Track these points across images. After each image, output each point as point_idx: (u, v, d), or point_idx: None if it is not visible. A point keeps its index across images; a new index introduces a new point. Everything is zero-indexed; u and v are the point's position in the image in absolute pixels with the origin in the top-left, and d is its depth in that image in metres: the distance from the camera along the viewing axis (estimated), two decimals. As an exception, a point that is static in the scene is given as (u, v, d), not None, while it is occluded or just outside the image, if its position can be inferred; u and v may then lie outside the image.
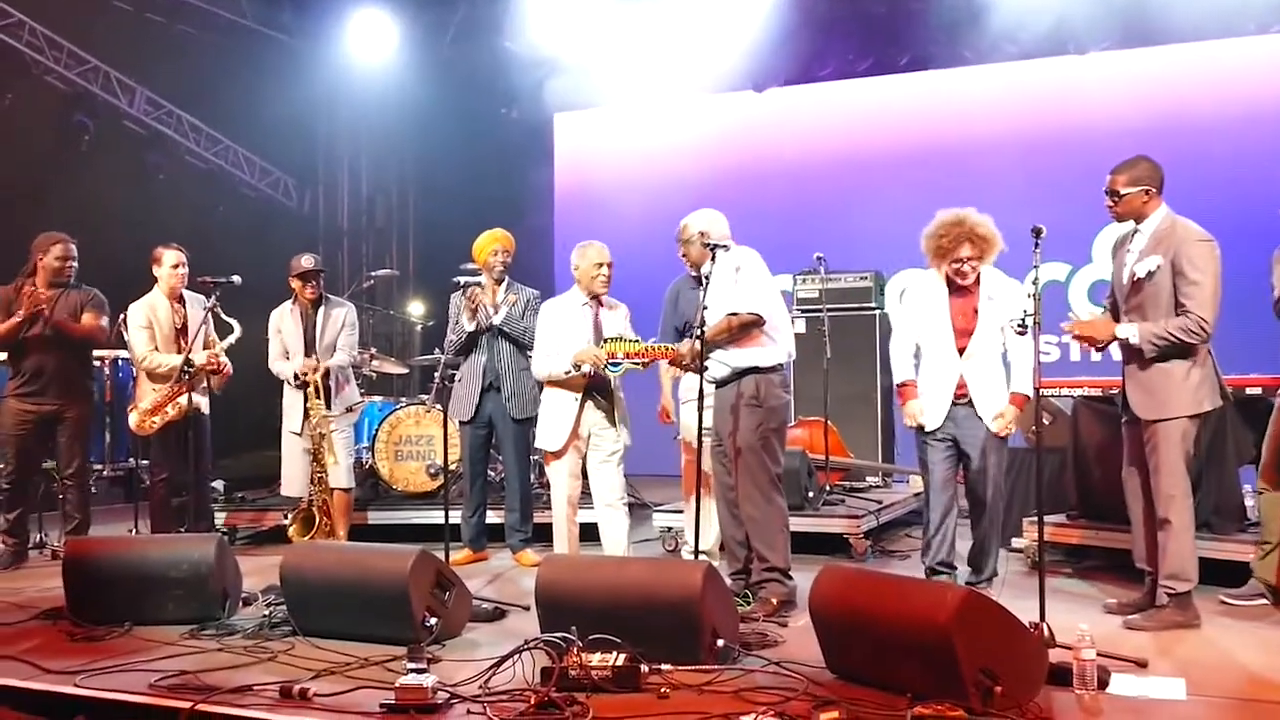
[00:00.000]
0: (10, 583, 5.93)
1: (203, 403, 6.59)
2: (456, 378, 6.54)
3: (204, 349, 6.49)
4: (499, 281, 6.45)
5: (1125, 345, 4.70)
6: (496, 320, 6.34)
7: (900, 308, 5.50)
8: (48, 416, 6.49)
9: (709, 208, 5.39)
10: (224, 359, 6.51)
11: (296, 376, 6.45)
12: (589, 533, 5.95)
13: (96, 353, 7.53)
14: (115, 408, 7.74)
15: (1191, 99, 9.94)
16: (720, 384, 5.22)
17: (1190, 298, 4.52)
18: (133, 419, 6.55)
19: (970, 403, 5.09)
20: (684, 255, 5.45)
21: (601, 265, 5.79)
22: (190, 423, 6.15)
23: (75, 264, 6.54)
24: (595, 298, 5.86)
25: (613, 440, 5.78)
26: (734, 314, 5.06)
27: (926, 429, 5.17)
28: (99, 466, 7.77)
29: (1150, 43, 10.12)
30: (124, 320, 6.83)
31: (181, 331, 6.58)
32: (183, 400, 6.27)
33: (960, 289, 5.13)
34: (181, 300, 6.67)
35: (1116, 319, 4.84)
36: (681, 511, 6.35)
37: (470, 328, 6.34)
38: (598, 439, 5.78)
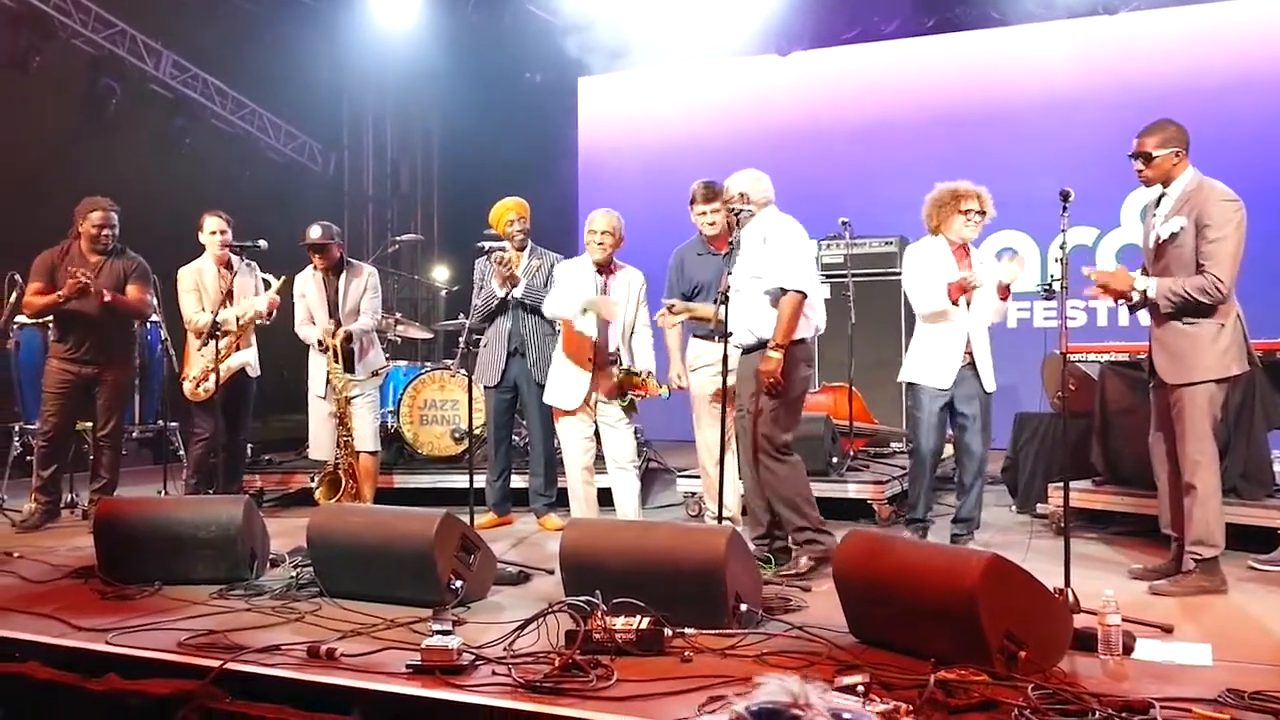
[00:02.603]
0: (42, 541, 6.01)
1: (251, 363, 6.70)
2: (481, 343, 6.56)
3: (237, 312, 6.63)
4: (521, 248, 6.45)
5: (1150, 306, 4.67)
6: (518, 293, 6.33)
7: (915, 273, 5.59)
8: (88, 378, 6.57)
9: (751, 168, 5.35)
10: (263, 302, 6.68)
11: (320, 342, 6.50)
12: (607, 497, 5.97)
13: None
14: (144, 371, 7.79)
15: (1222, 59, 9.78)
16: (745, 350, 5.21)
17: (1209, 257, 4.48)
18: (187, 388, 6.66)
19: (972, 364, 5.47)
20: (722, 217, 5.54)
21: (594, 232, 5.82)
22: (235, 385, 6.22)
23: (113, 231, 6.58)
24: (603, 267, 5.86)
25: (620, 407, 5.82)
26: (784, 291, 5.01)
27: (938, 388, 5.46)
28: (128, 428, 7.83)
29: (1180, 2, 9.97)
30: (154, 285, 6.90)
31: (229, 295, 6.62)
32: (232, 361, 6.32)
33: (959, 252, 5.53)
34: (229, 265, 6.72)
35: None
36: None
37: (501, 293, 6.34)
38: (606, 405, 5.82)
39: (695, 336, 5.85)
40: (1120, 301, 4.84)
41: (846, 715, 1.48)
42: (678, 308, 5.53)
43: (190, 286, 6.68)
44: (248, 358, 6.70)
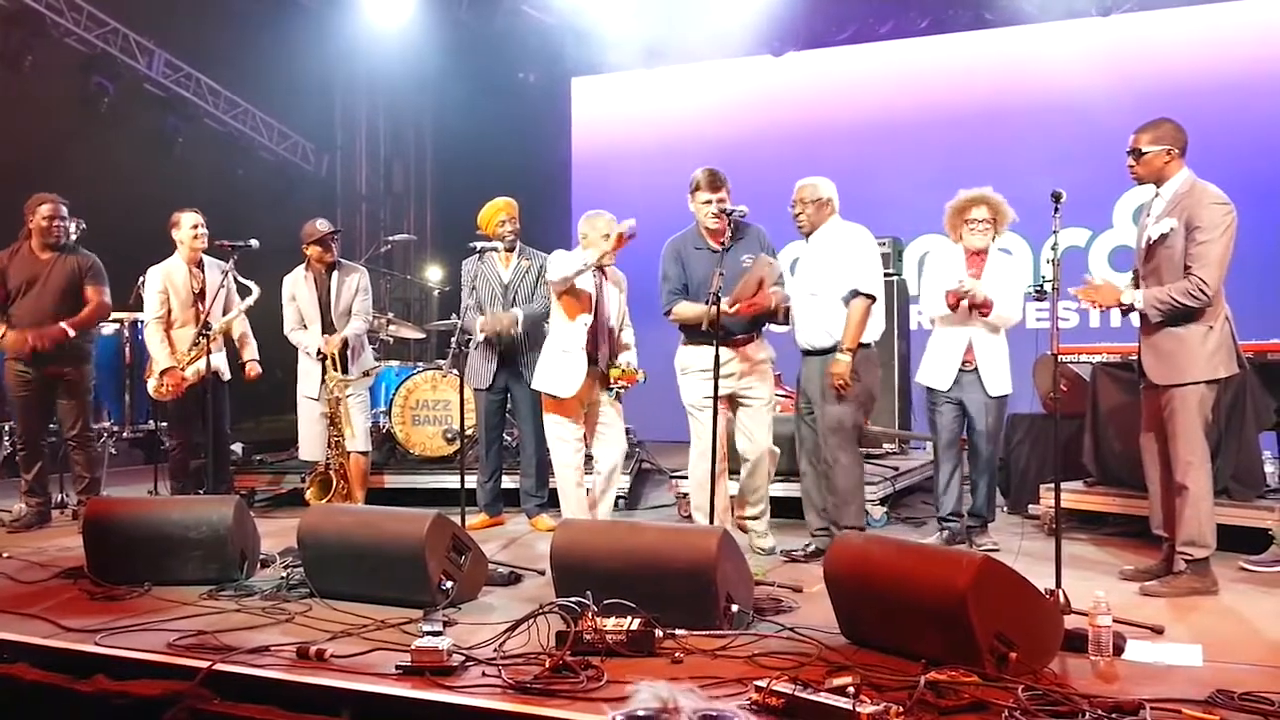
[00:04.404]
0: (31, 542, 5.99)
1: (222, 366, 6.64)
2: (473, 344, 6.54)
3: (223, 314, 6.56)
4: (510, 248, 6.42)
5: (1140, 315, 4.67)
6: (520, 330, 6.32)
7: (924, 277, 5.88)
8: (47, 378, 6.47)
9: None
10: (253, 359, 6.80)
11: (319, 352, 6.49)
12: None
13: (115, 314, 7.55)
14: (135, 370, 7.77)
15: (1217, 61, 9.80)
16: (817, 351, 5.39)
17: (1195, 259, 4.48)
18: (150, 385, 6.61)
19: (976, 370, 5.58)
20: (797, 214, 5.48)
21: (609, 236, 5.71)
22: (208, 386, 6.18)
23: (64, 224, 6.49)
24: (601, 268, 5.82)
25: (609, 411, 5.87)
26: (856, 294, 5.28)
27: (938, 389, 5.65)
28: (117, 428, 7.80)
29: (1174, 4, 9.99)
30: (142, 283, 6.85)
31: (199, 296, 6.61)
32: (200, 365, 6.30)
33: (973, 259, 5.62)
34: (201, 265, 6.69)
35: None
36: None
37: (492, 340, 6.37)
38: (600, 407, 5.85)
39: (687, 340, 5.63)
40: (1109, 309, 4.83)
41: (712, 713, 1.51)
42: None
43: (159, 287, 6.61)
44: (217, 362, 6.58)
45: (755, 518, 5.71)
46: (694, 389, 5.55)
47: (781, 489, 6.13)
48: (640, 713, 1.48)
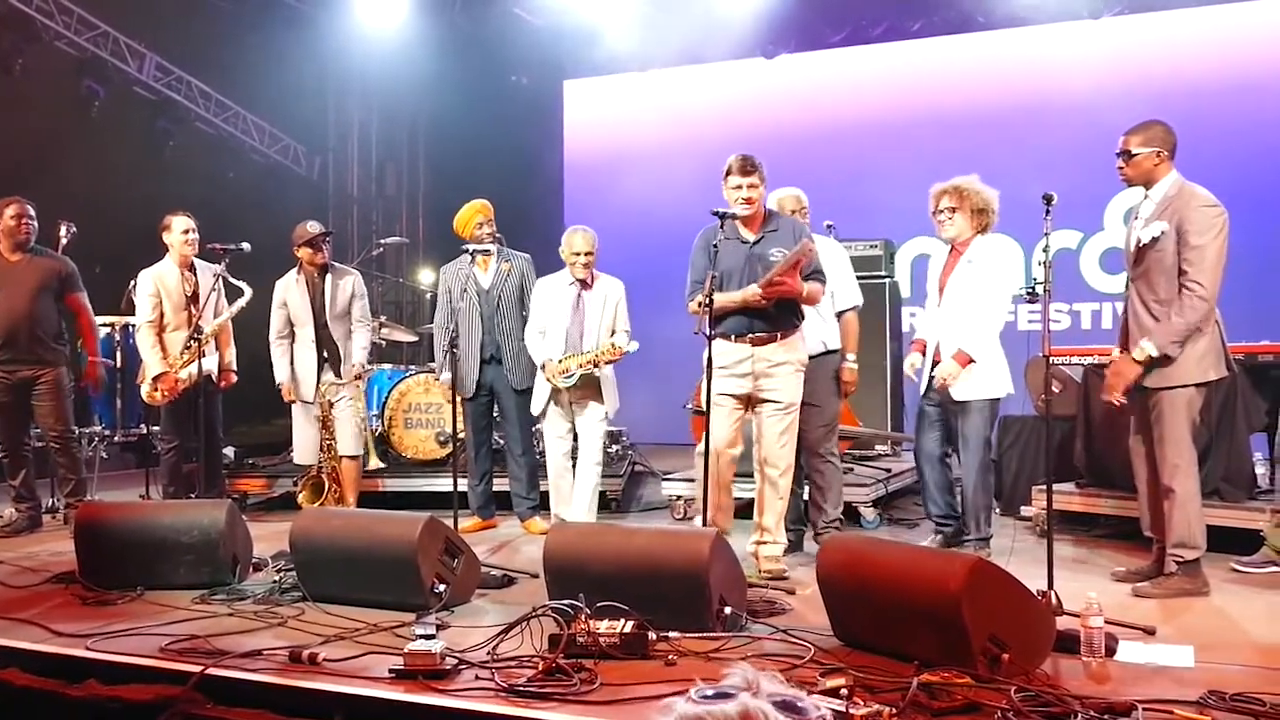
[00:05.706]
0: (23, 546, 5.97)
1: (214, 370, 6.63)
2: (462, 351, 6.50)
3: (214, 317, 6.55)
4: (489, 252, 6.41)
5: (1140, 335, 4.62)
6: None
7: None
8: (24, 381, 6.44)
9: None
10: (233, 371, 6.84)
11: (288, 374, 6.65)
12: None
13: (108, 319, 7.53)
14: (127, 373, 7.74)
15: (1209, 64, 9.81)
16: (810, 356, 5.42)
17: (1190, 264, 4.47)
18: (144, 390, 6.60)
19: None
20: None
21: (578, 254, 6.05)
22: (200, 390, 6.16)
23: (32, 223, 6.44)
24: (583, 282, 6.09)
25: (597, 407, 6.11)
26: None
27: (920, 393, 5.59)
28: (109, 432, 7.78)
29: (1165, 7, 10.01)
30: (133, 287, 6.83)
31: (192, 299, 6.59)
32: (192, 368, 6.29)
33: (952, 257, 5.47)
34: (192, 268, 6.68)
35: None
36: (692, 480, 6.35)
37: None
38: (580, 404, 6.11)
39: (715, 335, 5.05)
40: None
41: (782, 699, 1.51)
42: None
43: (150, 290, 6.60)
44: (208, 365, 6.54)
45: (773, 558, 5.22)
46: (726, 387, 5.19)
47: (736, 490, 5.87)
48: (709, 691, 1.51)
